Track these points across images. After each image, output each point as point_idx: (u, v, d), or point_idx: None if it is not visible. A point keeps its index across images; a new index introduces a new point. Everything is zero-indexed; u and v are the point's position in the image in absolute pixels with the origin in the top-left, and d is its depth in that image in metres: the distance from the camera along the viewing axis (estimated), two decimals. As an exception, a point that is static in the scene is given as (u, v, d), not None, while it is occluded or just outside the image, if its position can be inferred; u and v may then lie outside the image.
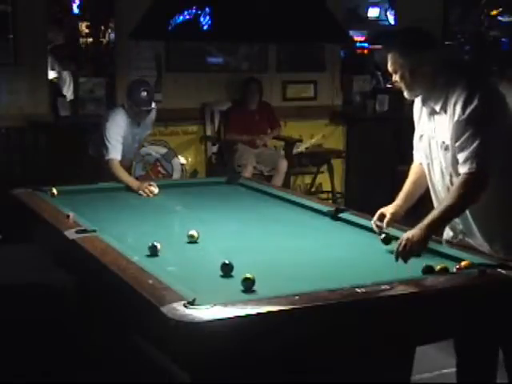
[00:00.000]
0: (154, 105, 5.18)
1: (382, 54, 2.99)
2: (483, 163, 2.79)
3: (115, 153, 4.89)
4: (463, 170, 2.83)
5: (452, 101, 2.88)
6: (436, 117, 2.99)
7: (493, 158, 2.82)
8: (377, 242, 3.17)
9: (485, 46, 5.78)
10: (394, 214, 3.16)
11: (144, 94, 5.00)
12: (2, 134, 6.25)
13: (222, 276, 2.69)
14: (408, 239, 2.79)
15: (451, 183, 2.98)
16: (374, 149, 7.13)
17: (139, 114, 5.09)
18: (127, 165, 5.41)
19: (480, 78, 3.03)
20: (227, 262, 2.72)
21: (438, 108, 2.95)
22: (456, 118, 2.85)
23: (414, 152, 3.25)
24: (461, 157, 2.83)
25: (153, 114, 5.33)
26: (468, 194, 2.82)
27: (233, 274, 2.68)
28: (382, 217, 3.17)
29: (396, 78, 2.99)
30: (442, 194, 3.06)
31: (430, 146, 3.07)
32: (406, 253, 2.79)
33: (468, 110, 2.81)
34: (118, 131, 4.97)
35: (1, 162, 6.20)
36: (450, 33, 8.30)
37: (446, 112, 2.92)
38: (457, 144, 2.84)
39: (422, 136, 3.11)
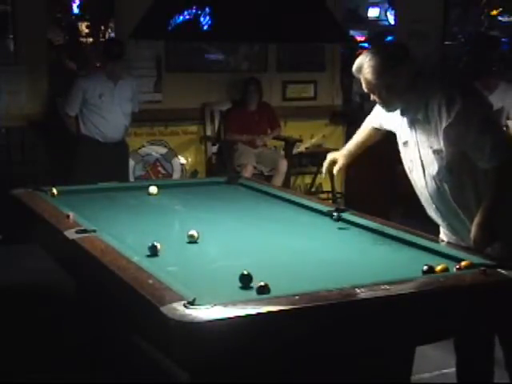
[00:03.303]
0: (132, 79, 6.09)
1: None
2: (506, 152, 2.85)
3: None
4: (491, 165, 2.85)
5: (434, 107, 2.90)
6: (417, 125, 3.01)
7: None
8: (377, 241, 3.18)
9: (485, 47, 5.78)
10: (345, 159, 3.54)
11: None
12: (1, 134, 6.25)
13: (241, 288, 2.54)
14: (474, 242, 2.92)
15: (440, 188, 3.00)
16: (373, 149, 7.11)
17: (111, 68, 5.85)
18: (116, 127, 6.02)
19: (453, 77, 3.09)
20: (246, 272, 2.56)
21: (420, 116, 2.97)
22: (444, 123, 2.87)
23: (370, 117, 3.46)
24: (481, 157, 2.85)
25: (133, 85, 6.06)
26: (505, 182, 2.88)
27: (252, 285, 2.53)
28: (333, 163, 3.51)
29: (374, 97, 3.03)
30: (436, 200, 3.07)
31: (412, 154, 3.09)
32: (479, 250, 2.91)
33: (453, 113, 2.84)
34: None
35: (1, 161, 6.20)
36: (449, 33, 8.30)
37: (428, 119, 2.94)
38: (467, 147, 2.87)
39: (406, 142, 3.11)
